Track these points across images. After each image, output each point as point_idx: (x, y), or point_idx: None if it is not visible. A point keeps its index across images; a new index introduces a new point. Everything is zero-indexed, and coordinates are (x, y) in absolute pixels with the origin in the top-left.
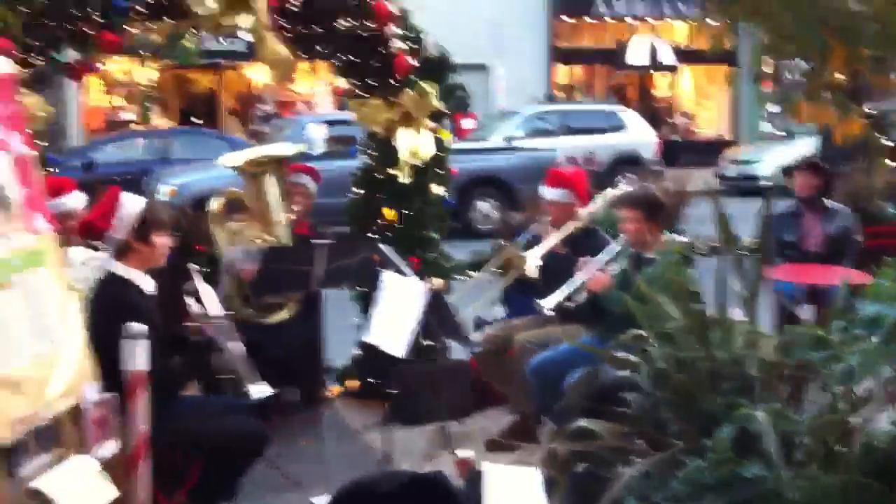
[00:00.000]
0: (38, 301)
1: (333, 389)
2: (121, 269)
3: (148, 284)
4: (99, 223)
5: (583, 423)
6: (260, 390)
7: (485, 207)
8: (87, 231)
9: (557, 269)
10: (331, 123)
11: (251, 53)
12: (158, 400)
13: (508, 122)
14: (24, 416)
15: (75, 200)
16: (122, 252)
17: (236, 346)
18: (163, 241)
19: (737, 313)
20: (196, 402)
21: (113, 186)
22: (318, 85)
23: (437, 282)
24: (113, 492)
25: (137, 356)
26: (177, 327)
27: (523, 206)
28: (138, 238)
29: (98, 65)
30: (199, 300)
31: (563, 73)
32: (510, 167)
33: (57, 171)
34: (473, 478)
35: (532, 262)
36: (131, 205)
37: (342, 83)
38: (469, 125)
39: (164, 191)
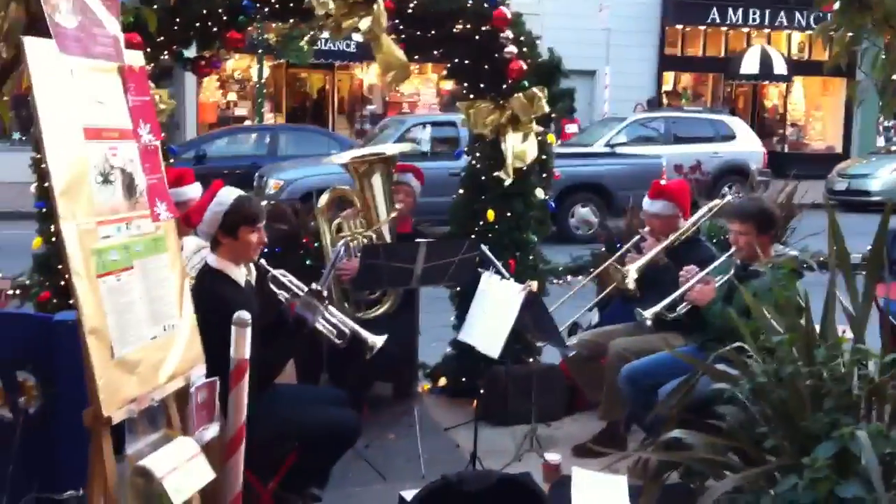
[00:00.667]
0: (158, 286)
1: (424, 386)
2: (216, 261)
3: (243, 276)
4: (193, 216)
5: (676, 433)
6: (379, 338)
7: (585, 213)
8: (185, 223)
9: (657, 278)
10: (435, 125)
11: (362, 54)
12: (256, 388)
13: (613, 128)
14: (136, 396)
15: (194, 191)
16: (215, 245)
17: (334, 315)
18: (251, 237)
19: (844, 330)
20: (292, 391)
21: (216, 180)
22: (424, 86)
23: (533, 284)
24: (211, 474)
25: (241, 344)
26: (273, 311)
27: (624, 212)
28: (225, 233)
29: (221, 62)
30: (279, 286)
31: (672, 80)
32: (612, 173)
33: (173, 162)
34: (560, 481)
35: (632, 275)
36: (222, 199)
37: (449, 85)
38: (573, 130)
39: (271, 184)
